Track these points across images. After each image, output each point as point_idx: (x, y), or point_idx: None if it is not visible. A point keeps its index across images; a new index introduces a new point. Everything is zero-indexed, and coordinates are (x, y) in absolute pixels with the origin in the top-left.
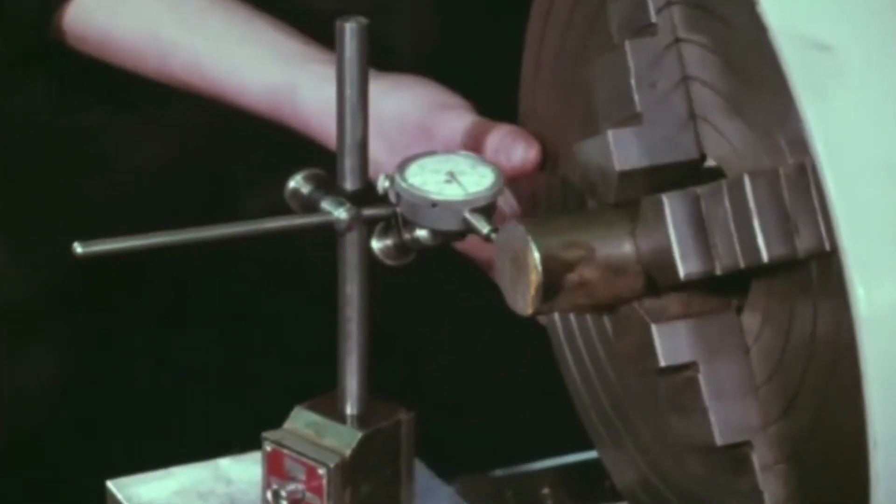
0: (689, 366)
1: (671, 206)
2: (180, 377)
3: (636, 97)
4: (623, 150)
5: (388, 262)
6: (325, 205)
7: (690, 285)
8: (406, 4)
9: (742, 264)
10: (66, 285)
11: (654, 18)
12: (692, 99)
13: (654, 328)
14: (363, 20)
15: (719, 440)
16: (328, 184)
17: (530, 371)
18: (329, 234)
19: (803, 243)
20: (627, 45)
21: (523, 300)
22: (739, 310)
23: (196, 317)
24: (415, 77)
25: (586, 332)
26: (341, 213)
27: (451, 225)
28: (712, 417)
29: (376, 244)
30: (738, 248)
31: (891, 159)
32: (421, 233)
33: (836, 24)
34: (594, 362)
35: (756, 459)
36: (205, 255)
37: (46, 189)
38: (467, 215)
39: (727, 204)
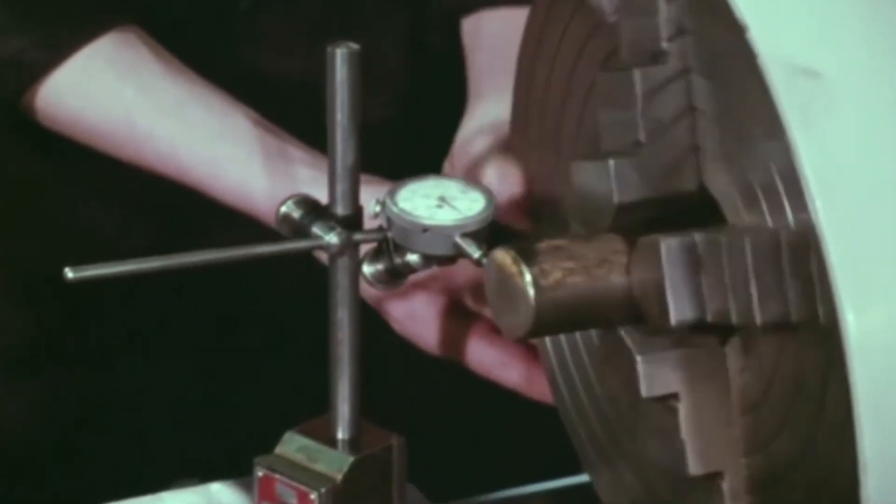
0: (671, 396)
1: (667, 252)
2: (171, 401)
3: (640, 126)
4: (623, 182)
5: (380, 286)
6: (316, 229)
7: None
8: (379, 60)
9: (734, 321)
10: (47, 319)
11: (665, 46)
12: (696, 131)
13: (639, 360)
14: (354, 46)
15: (693, 470)
16: (319, 209)
17: (522, 395)
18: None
19: (798, 310)
20: (636, 74)
21: (514, 325)
22: (725, 341)
23: (186, 337)
24: None
25: (577, 356)
26: (332, 238)
27: (442, 249)
28: (688, 448)
29: (367, 269)
30: (731, 305)
31: (881, 185)
32: (412, 257)
33: (826, 51)
34: (585, 386)
35: (727, 490)
36: (193, 280)
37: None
38: (458, 240)
39: (725, 262)
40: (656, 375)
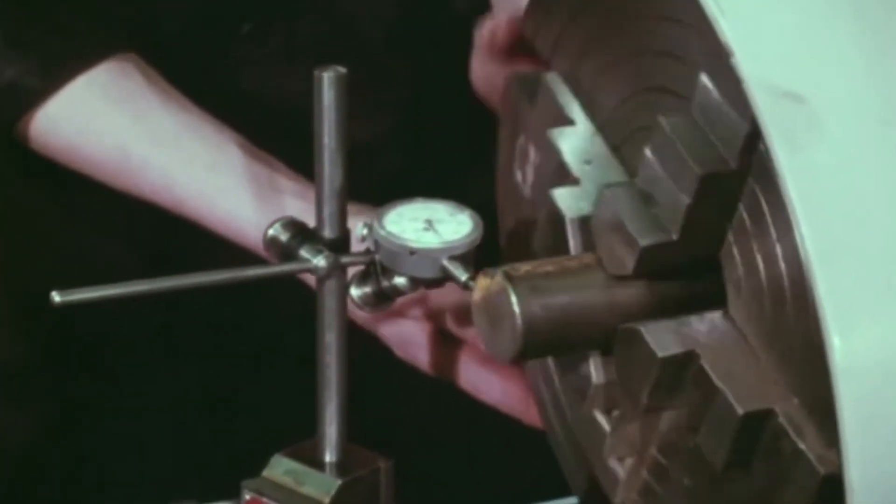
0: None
1: (662, 367)
2: (158, 425)
3: (682, 222)
4: (645, 259)
5: (367, 309)
6: (304, 252)
7: None
8: (374, 84)
9: (697, 441)
10: (42, 340)
11: (738, 152)
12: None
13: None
14: (341, 69)
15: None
16: (306, 232)
17: (513, 422)
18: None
19: (762, 475)
20: (699, 176)
21: (502, 348)
22: None
23: (174, 365)
24: None
25: (564, 376)
26: (320, 261)
27: (429, 272)
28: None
29: (355, 291)
30: (701, 436)
31: (866, 209)
32: (399, 280)
33: (810, 75)
34: (572, 406)
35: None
36: (187, 304)
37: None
38: (445, 263)
39: (709, 409)
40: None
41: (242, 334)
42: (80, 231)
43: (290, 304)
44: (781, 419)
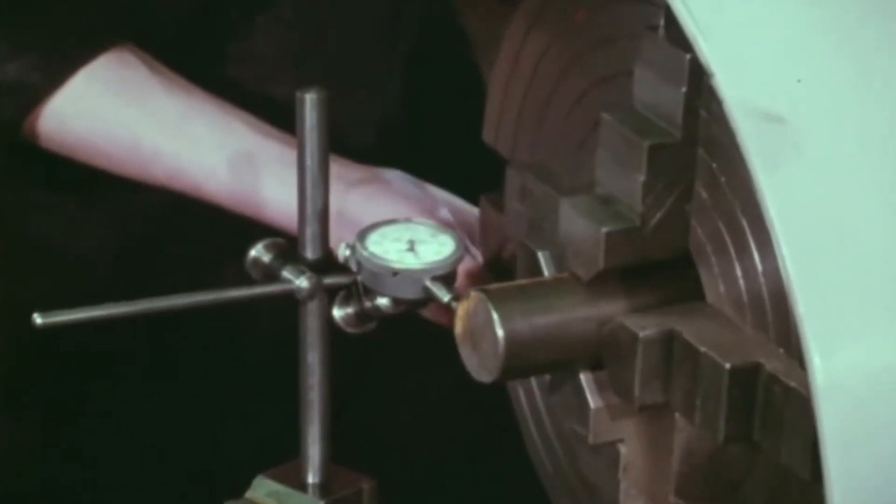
0: (617, 442)
1: (644, 348)
2: (141, 443)
3: (640, 202)
4: (612, 248)
5: (350, 330)
6: (286, 273)
7: None
8: (365, 85)
9: (696, 424)
10: (24, 361)
11: (680, 121)
12: (691, 200)
13: (592, 409)
14: (322, 91)
15: None
16: (289, 252)
17: (494, 441)
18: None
19: (765, 440)
20: (646, 150)
21: (483, 368)
22: None
23: (157, 385)
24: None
25: (545, 389)
26: (302, 282)
27: (411, 293)
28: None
29: (337, 312)
30: (698, 414)
31: (846, 229)
32: (382, 301)
33: (790, 95)
34: (552, 419)
35: None
36: (171, 325)
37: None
38: (428, 283)
39: (699, 377)
40: (606, 424)
41: (228, 350)
42: (68, 244)
43: (275, 320)
44: (770, 368)
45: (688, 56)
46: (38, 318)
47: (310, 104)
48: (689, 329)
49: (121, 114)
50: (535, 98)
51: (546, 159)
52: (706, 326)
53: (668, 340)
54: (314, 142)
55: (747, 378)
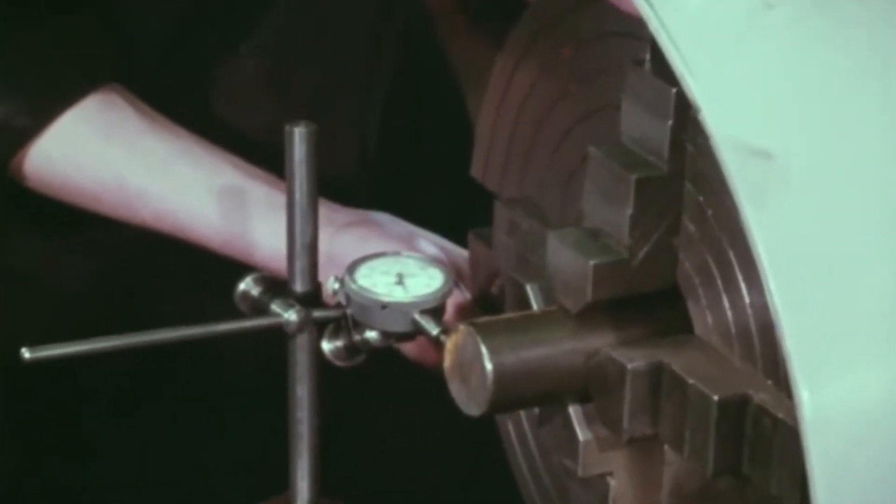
0: (606, 474)
1: (633, 380)
2: (127, 476)
3: (627, 235)
4: (600, 281)
5: (339, 363)
6: (275, 307)
7: None
8: (346, 114)
9: (684, 456)
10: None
11: (666, 155)
12: (679, 232)
13: (581, 442)
14: (312, 125)
15: None
16: (278, 286)
17: (484, 475)
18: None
19: (754, 472)
20: (633, 184)
21: (472, 401)
22: None
23: (141, 413)
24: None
25: (531, 411)
26: (291, 316)
27: (400, 326)
28: None
29: (326, 346)
30: (687, 446)
31: (833, 264)
32: (371, 334)
33: (776, 131)
34: (537, 441)
35: None
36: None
37: None
38: (416, 317)
39: (687, 409)
40: (595, 456)
41: (214, 383)
42: (54, 277)
43: (260, 351)
44: (758, 400)
45: (674, 90)
46: (25, 353)
47: (298, 137)
48: (678, 361)
49: (107, 155)
50: (523, 133)
51: (534, 194)
52: (694, 358)
53: (657, 372)
54: (303, 175)
55: (736, 410)
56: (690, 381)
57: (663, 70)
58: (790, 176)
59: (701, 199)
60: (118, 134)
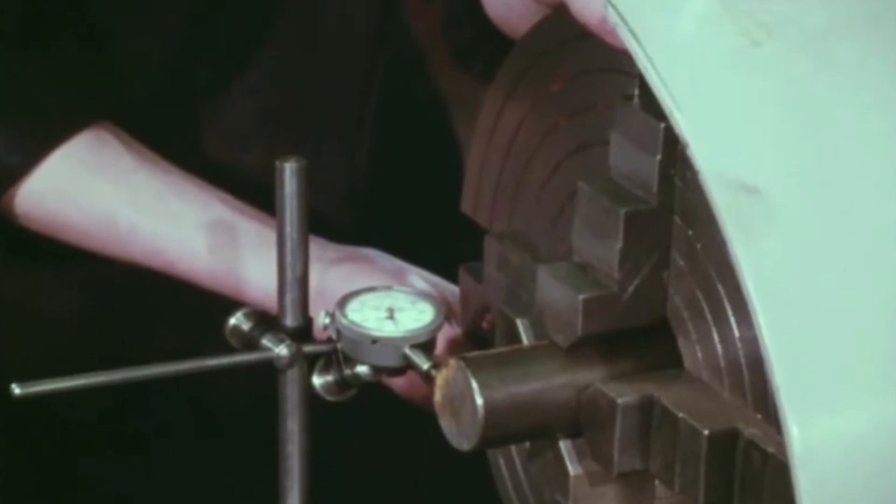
0: None
1: (623, 415)
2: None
3: (617, 269)
4: (590, 315)
5: (329, 398)
6: (266, 342)
7: None
8: (337, 151)
9: (675, 491)
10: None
11: (655, 189)
12: (668, 266)
13: (571, 477)
14: (302, 160)
15: None
16: (268, 320)
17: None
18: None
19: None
20: (622, 218)
21: (462, 436)
22: None
23: (134, 452)
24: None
25: (530, 472)
26: (282, 350)
27: (391, 361)
28: None
29: (317, 380)
30: (677, 480)
31: (821, 299)
32: (361, 369)
33: (764, 167)
34: (525, 467)
35: None
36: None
37: None
38: (407, 351)
39: (678, 443)
40: (586, 492)
41: (204, 419)
42: (44, 308)
43: (252, 387)
44: (748, 434)
45: (662, 125)
46: (16, 389)
47: (289, 173)
48: (668, 395)
49: (97, 191)
50: (513, 168)
51: (524, 228)
52: (684, 392)
53: (647, 407)
54: (293, 210)
55: (726, 444)
56: (680, 415)
57: (652, 105)
58: (777, 211)
59: (690, 232)
60: (109, 171)
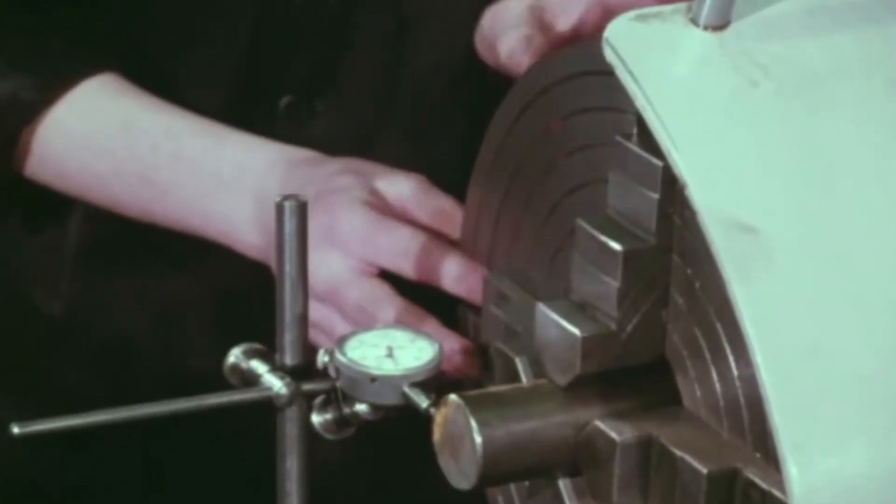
0: None
1: (622, 453)
2: None
3: (616, 307)
4: (588, 355)
5: (328, 436)
6: (265, 380)
7: None
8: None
9: None
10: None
11: (653, 227)
12: (667, 305)
13: None
14: (302, 198)
15: None
16: (267, 358)
17: None
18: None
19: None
20: (621, 256)
21: (461, 474)
22: None
23: (134, 483)
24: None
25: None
26: (281, 388)
27: (390, 399)
28: None
29: (316, 418)
30: None
31: (818, 339)
32: (361, 407)
33: (762, 206)
34: (521, 496)
35: None
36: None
37: None
38: (406, 390)
39: (677, 482)
40: None
41: (205, 457)
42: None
43: (252, 425)
44: (747, 473)
45: (660, 164)
46: (15, 428)
47: (289, 211)
48: (667, 434)
49: (116, 106)
50: (511, 206)
51: (523, 266)
52: (683, 431)
53: (646, 445)
54: (293, 248)
55: (725, 483)
56: (679, 454)
57: (650, 144)
58: (775, 250)
59: (688, 271)
60: (123, 97)
